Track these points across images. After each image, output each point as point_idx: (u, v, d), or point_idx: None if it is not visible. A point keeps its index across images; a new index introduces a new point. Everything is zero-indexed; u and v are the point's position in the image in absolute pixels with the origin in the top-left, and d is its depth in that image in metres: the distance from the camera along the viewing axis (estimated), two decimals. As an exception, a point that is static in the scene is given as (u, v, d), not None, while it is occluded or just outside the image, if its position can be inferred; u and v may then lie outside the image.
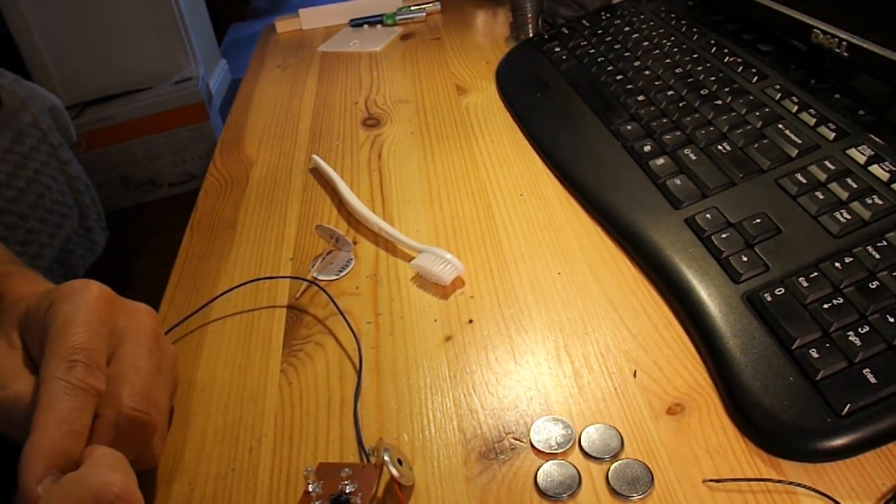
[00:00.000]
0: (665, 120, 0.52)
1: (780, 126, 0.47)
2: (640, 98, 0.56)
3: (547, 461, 0.32)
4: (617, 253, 0.45)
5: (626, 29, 0.68)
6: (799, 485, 0.30)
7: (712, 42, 0.59)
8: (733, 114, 0.49)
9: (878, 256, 0.36)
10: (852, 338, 0.33)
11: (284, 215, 0.54)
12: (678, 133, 0.50)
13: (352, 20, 0.96)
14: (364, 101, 0.72)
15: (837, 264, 0.36)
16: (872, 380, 0.31)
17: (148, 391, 0.32)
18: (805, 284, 0.36)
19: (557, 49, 0.69)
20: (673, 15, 0.66)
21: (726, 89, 0.52)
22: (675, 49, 0.60)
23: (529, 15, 0.77)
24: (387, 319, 0.42)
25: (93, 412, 0.30)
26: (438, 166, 0.57)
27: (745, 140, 0.47)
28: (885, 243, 0.36)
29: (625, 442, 0.33)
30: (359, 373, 0.39)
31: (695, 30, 0.62)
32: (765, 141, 0.46)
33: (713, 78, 0.54)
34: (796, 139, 0.45)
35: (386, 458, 0.31)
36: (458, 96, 0.69)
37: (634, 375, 0.36)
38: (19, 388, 0.31)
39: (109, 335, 0.33)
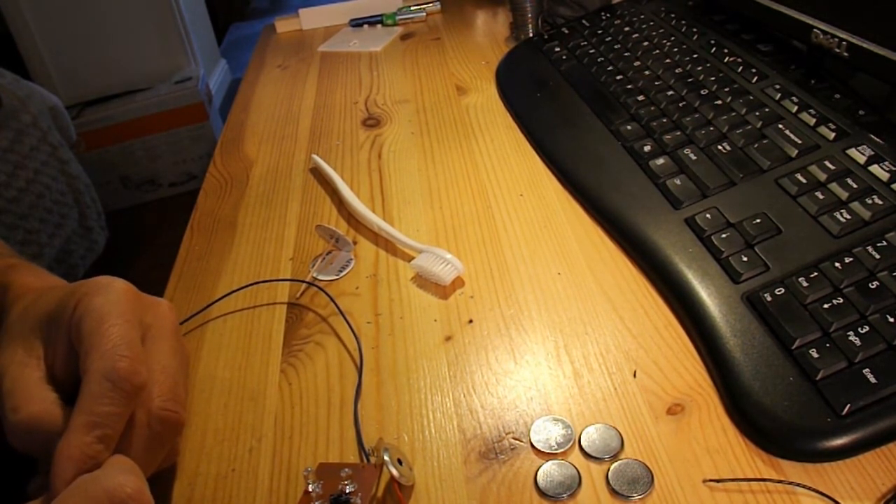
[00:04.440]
0: (665, 120, 0.52)
1: (780, 126, 0.47)
2: (640, 98, 0.56)
3: (547, 461, 0.32)
4: (617, 253, 0.45)
5: (626, 29, 0.68)
6: (799, 485, 0.30)
7: (712, 42, 0.59)
8: (733, 114, 0.49)
9: (878, 256, 0.36)
10: (852, 338, 0.33)
11: (284, 215, 0.54)
12: (678, 133, 0.50)
13: (352, 20, 0.96)
14: (364, 101, 0.72)
15: (837, 264, 0.36)
16: (872, 380, 0.31)
17: (175, 389, 0.33)
18: (805, 284, 0.36)
19: (557, 49, 0.69)
20: (673, 15, 0.66)
21: (726, 89, 0.52)
22: (675, 49, 0.60)
23: (529, 15, 0.77)
24: (387, 319, 0.42)
25: (130, 414, 0.30)
26: (438, 166, 0.57)
27: (745, 140, 0.47)
28: (885, 243, 0.36)
29: (625, 442, 0.33)
30: (359, 373, 0.39)
31: (695, 30, 0.62)
32: (765, 141, 0.46)
33: (713, 78, 0.54)
34: (796, 139, 0.45)
35: (386, 458, 0.31)
36: (458, 96, 0.69)
37: (634, 375, 0.36)
38: (34, 409, 0.30)
39: (139, 328, 0.33)
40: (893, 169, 0.40)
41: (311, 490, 0.30)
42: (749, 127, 0.48)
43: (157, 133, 1.96)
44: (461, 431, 0.35)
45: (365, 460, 0.34)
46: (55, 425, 0.30)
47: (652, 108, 0.54)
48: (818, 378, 0.32)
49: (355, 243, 0.50)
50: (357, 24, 0.95)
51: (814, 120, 0.46)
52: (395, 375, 0.38)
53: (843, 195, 0.40)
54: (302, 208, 0.55)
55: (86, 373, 0.30)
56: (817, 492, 0.29)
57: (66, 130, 1.40)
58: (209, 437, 0.37)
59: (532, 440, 0.33)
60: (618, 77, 0.60)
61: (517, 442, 0.34)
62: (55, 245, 1.29)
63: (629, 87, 0.58)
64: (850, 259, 0.36)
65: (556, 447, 0.33)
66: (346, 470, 0.31)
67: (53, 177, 1.31)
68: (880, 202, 0.39)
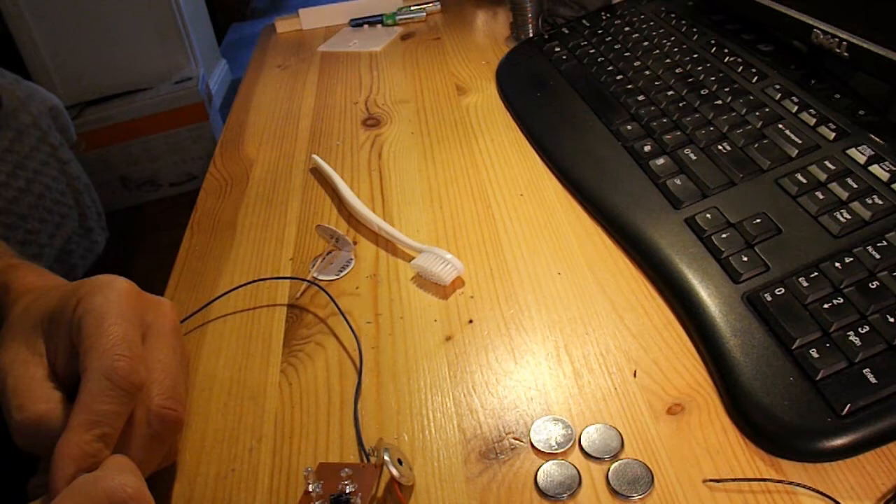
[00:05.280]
0: (665, 120, 0.52)
1: (780, 126, 0.47)
2: (641, 98, 0.56)
3: (547, 461, 0.32)
4: (617, 253, 0.45)
5: (627, 29, 0.68)
6: (799, 485, 0.30)
7: (712, 42, 0.59)
8: (733, 114, 0.49)
9: (878, 256, 0.36)
10: (852, 338, 0.33)
11: (284, 215, 0.54)
12: (678, 133, 0.50)
13: (352, 20, 0.96)
14: (364, 101, 0.72)
15: (837, 264, 0.36)
16: (872, 380, 0.31)
17: (175, 388, 0.33)
18: (805, 284, 0.36)
19: (557, 49, 0.69)
20: (673, 15, 0.66)
21: (726, 89, 0.52)
22: (675, 49, 0.60)
23: (529, 15, 0.77)
24: (387, 319, 0.42)
25: (129, 412, 0.30)
26: (438, 166, 0.57)
27: (745, 140, 0.47)
28: (885, 243, 0.36)
29: (625, 442, 0.33)
30: (359, 373, 0.39)
31: (695, 30, 0.62)
32: (765, 141, 0.46)
33: (713, 78, 0.54)
34: (796, 139, 0.45)
35: (386, 458, 0.31)
36: (458, 96, 0.69)
37: (634, 375, 0.36)
38: (40, 408, 0.31)
39: (140, 327, 0.33)
40: (893, 169, 0.40)
41: (311, 490, 0.30)
42: (749, 127, 0.48)
43: (157, 133, 1.96)
44: (461, 431, 0.35)
45: (365, 460, 0.34)
46: (61, 424, 0.30)
47: (652, 108, 0.54)
48: (818, 378, 0.32)
49: (355, 243, 0.50)
50: (357, 24, 0.95)
51: (814, 120, 0.46)
52: (396, 375, 0.38)
53: (844, 195, 0.40)
54: (302, 208, 0.55)
55: (85, 371, 0.30)
56: (817, 492, 0.29)
57: (66, 130, 1.40)
58: (209, 437, 0.37)
59: (532, 440, 0.33)
60: (618, 77, 0.60)
61: (517, 442, 0.34)
62: (55, 245, 1.29)
63: (629, 87, 0.58)
64: (851, 259, 0.36)
65: (556, 447, 0.33)
66: (347, 470, 0.31)
67: (53, 177, 1.31)
68: (880, 202, 0.39)
